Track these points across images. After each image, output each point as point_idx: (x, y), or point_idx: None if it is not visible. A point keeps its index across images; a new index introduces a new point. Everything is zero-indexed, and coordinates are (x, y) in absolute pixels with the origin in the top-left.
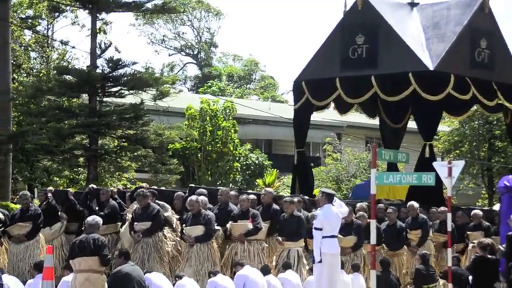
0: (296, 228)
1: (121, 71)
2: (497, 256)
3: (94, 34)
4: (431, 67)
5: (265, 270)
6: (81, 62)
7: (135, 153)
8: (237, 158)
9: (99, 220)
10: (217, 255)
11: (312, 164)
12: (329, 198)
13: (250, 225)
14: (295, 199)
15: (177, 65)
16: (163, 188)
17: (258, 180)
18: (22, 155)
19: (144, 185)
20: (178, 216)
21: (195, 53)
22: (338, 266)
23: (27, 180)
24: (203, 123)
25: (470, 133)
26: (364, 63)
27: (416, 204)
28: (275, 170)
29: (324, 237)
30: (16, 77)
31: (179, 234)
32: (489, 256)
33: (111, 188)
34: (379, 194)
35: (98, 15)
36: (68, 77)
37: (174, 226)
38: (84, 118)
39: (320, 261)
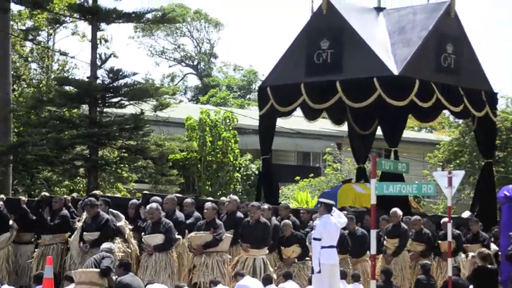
0: (262, 235)
1: (121, 82)
2: (504, 256)
3: (94, 45)
4: (396, 72)
5: (267, 280)
6: (82, 72)
7: (135, 164)
8: (238, 169)
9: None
10: (176, 265)
11: (312, 175)
12: (328, 208)
13: (209, 237)
14: (265, 206)
15: (177, 76)
16: (117, 195)
17: None
18: (22, 165)
19: (97, 192)
20: (131, 226)
21: (195, 63)
22: (337, 276)
23: (27, 190)
24: (203, 134)
25: (470, 143)
26: (329, 68)
27: (399, 212)
28: None
29: (322, 247)
30: (16, 88)
31: (131, 245)
32: (489, 266)
33: (65, 196)
34: (345, 201)
35: (98, 26)
36: (68, 88)
37: (126, 237)
38: (85, 129)
39: (319, 272)
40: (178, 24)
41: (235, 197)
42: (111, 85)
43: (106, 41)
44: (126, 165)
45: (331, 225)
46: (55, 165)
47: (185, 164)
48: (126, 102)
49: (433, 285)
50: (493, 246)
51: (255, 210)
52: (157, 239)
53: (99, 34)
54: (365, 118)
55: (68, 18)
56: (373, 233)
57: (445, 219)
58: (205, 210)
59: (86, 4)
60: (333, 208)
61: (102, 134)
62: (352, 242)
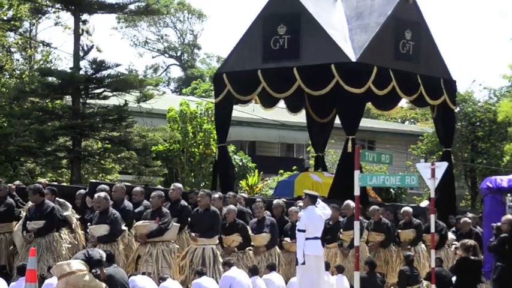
0: (211, 224)
1: (104, 73)
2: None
3: (77, 36)
4: (353, 58)
5: (254, 271)
6: (65, 63)
7: (119, 155)
8: None
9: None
10: (122, 257)
11: (295, 166)
12: (312, 199)
13: (154, 226)
14: (216, 195)
15: (161, 67)
16: (64, 184)
17: (241, 181)
18: (5, 157)
19: (43, 180)
20: (79, 216)
21: (178, 54)
22: (322, 267)
23: (10, 182)
24: (184, 125)
25: None
26: (286, 54)
27: (352, 204)
28: (256, 171)
29: (307, 238)
30: None
31: (78, 235)
32: (472, 257)
33: (9, 184)
34: (301, 190)
35: (80, 16)
36: (51, 79)
37: (74, 227)
38: (68, 120)
39: (303, 263)
40: (162, 15)
41: (179, 185)
42: (94, 76)
43: (88, 32)
44: (110, 157)
45: (315, 217)
46: (38, 156)
47: (168, 155)
48: (109, 94)
49: (417, 276)
50: (450, 235)
51: (202, 197)
52: (102, 229)
53: (82, 25)
54: (323, 106)
55: (50, 8)
56: (357, 224)
57: (406, 208)
58: (151, 199)
59: None
60: (318, 200)
61: (85, 125)
62: (292, 231)
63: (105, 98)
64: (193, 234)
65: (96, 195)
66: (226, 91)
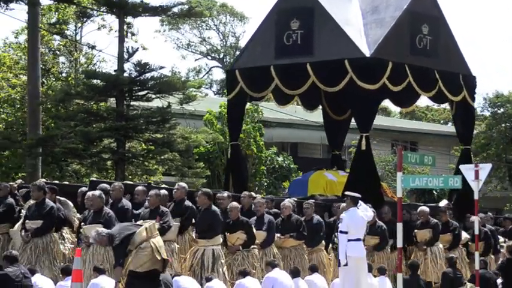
0: (209, 224)
1: (148, 75)
2: None
3: (121, 38)
4: (367, 54)
5: (295, 273)
6: (109, 66)
7: (162, 157)
8: (263, 162)
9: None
10: None
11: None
12: (354, 201)
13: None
14: (225, 194)
15: (203, 69)
16: (66, 183)
17: (284, 183)
18: (51, 158)
19: (42, 180)
20: (79, 216)
21: (221, 57)
22: (364, 269)
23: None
24: (222, 127)
25: (497, 136)
26: (299, 50)
27: (343, 205)
28: (299, 172)
29: (349, 240)
30: (45, 81)
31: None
32: None
33: (11, 183)
34: (316, 189)
35: (125, 19)
36: (96, 81)
37: (75, 226)
38: (112, 122)
39: (346, 265)
40: (204, 18)
41: (184, 184)
42: (138, 78)
43: (133, 34)
44: (154, 158)
45: (357, 218)
46: (83, 158)
47: (210, 157)
48: (153, 96)
49: (460, 278)
50: (464, 235)
51: (199, 196)
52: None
53: (126, 28)
54: (340, 103)
55: (95, 11)
56: (399, 225)
57: (423, 208)
58: (148, 198)
59: None
60: (359, 201)
61: (129, 127)
62: (307, 230)
63: (149, 100)
64: (193, 235)
65: (89, 193)
66: (239, 88)
